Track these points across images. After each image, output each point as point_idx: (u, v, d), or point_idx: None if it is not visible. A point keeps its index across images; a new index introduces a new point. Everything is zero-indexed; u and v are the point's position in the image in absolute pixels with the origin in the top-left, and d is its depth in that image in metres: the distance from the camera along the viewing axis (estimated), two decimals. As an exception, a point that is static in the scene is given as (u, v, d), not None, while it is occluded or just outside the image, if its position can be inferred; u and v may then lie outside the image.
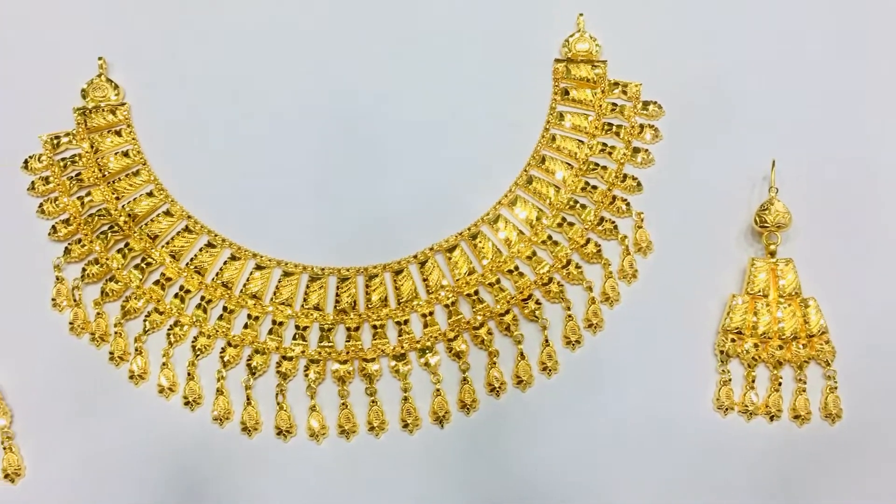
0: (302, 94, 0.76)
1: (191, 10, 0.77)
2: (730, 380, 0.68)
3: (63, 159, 0.76)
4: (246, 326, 0.71)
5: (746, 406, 0.68)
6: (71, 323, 0.71)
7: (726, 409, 0.68)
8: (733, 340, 0.68)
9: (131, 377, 0.69)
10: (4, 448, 0.67)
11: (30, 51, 0.78)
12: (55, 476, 0.67)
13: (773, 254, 0.70)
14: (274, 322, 0.71)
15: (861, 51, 0.75)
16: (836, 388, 0.68)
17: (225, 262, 0.73)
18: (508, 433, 0.68)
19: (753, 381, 0.68)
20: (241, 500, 0.66)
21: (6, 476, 0.67)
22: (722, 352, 0.68)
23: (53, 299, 0.71)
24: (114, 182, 0.75)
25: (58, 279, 0.72)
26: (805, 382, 0.68)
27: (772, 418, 0.68)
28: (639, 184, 0.74)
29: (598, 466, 0.67)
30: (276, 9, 0.77)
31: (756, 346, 0.68)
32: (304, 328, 0.71)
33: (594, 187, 0.74)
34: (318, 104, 0.76)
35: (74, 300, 0.71)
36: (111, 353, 0.70)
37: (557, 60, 0.77)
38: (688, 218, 0.72)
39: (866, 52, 0.75)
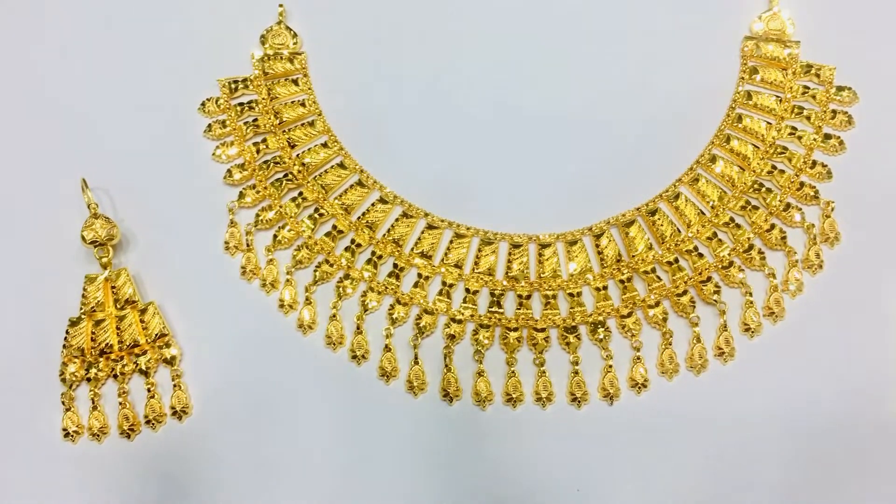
0: (482, 58, 0.75)
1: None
2: (918, 382, 0.65)
3: (240, 104, 0.75)
4: (416, 285, 0.70)
5: (935, 412, 0.65)
6: (242, 267, 0.71)
7: (912, 414, 0.65)
8: (923, 341, 0.65)
9: (300, 326, 0.69)
10: (174, 385, 0.68)
11: (213, -6, 0.78)
12: (220, 418, 0.68)
13: (973, 255, 0.66)
14: (444, 283, 0.70)
15: None
16: None
17: (396, 220, 0.72)
18: (678, 417, 0.66)
19: (944, 386, 0.65)
20: (406, 459, 0.65)
21: (174, 413, 0.68)
22: (910, 352, 0.65)
23: (226, 242, 0.72)
24: (289, 130, 0.75)
25: (231, 223, 0.72)
26: None
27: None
28: (829, 171, 0.71)
29: (769, 460, 0.65)
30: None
31: (949, 348, 0.65)
32: (474, 292, 0.70)
33: (781, 171, 0.71)
34: (499, 69, 0.74)
35: (247, 245, 0.72)
36: (281, 300, 0.70)
37: (747, 38, 0.74)
38: (879, 210, 0.70)
39: None
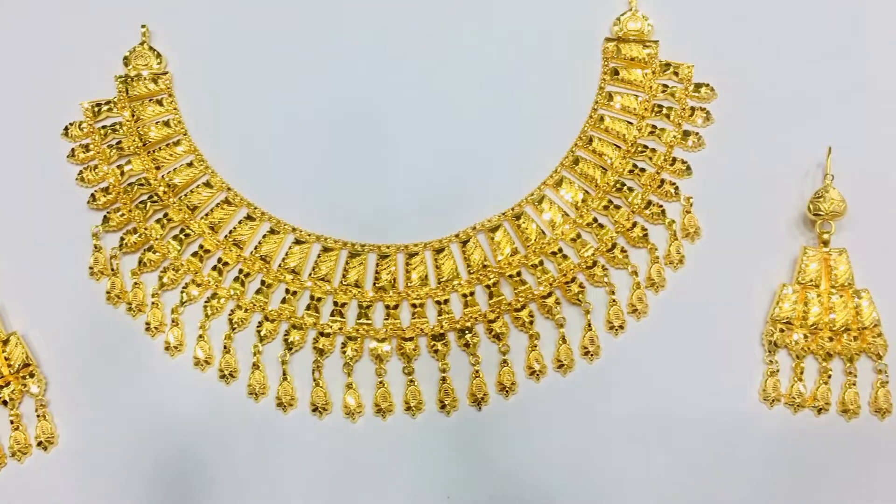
0: (346, 66, 0.75)
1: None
2: (777, 371, 0.66)
3: (104, 127, 0.75)
4: (284, 301, 0.70)
5: (794, 398, 0.66)
6: (108, 292, 0.70)
7: (773, 401, 0.66)
8: (782, 331, 0.67)
9: (167, 348, 0.69)
10: (38, 416, 0.67)
11: (73, 17, 0.77)
12: (87, 445, 0.67)
13: (826, 243, 0.68)
14: (312, 298, 0.70)
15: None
16: (886, 382, 0.66)
17: (264, 236, 0.72)
18: (547, 418, 0.66)
19: (801, 373, 0.66)
20: (277, 476, 0.65)
21: (39, 444, 0.67)
22: (770, 342, 0.67)
23: (91, 268, 0.71)
24: (154, 151, 0.74)
25: (96, 248, 0.71)
26: (855, 376, 0.66)
27: (819, 411, 0.66)
28: (688, 168, 0.72)
29: (638, 453, 0.66)
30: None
31: (805, 337, 0.67)
32: (343, 305, 0.70)
33: (642, 170, 0.72)
34: (362, 80, 0.75)
35: (112, 269, 0.71)
36: (147, 323, 0.69)
37: (608, 39, 0.75)
38: (738, 204, 0.71)
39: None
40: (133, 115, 0.74)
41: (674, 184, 0.71)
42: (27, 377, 0.67)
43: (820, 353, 0.66)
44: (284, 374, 0.67)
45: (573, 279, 0.69)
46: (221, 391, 0.68)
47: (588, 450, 0.65)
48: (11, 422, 0.66)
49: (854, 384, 0.66)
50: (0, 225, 0.71)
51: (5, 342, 0.67)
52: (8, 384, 0.67)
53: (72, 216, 0.72)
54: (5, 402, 0.67)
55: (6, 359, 0.67)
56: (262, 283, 0.70)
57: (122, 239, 0.71)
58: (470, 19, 0.75)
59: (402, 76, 0.74)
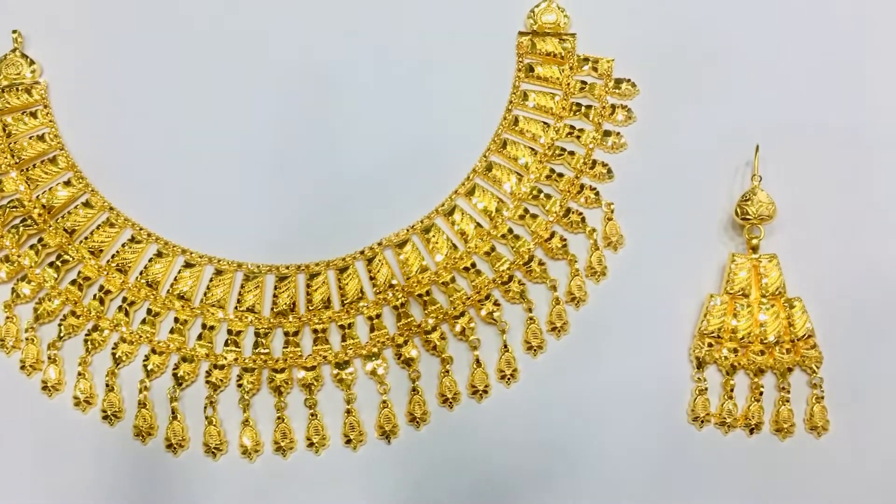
0: (238, 70, 0.68)
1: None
2: (706, 388, 0.62)
3: (-29, 144, 0.68)
4: (172, 331, 0.64)
5: (724, 417, 0.61)
6: (-23, 328, 0.63)
7: (702, 421, 0.62)
8: (710, 345, 0.62)
9: (44, 388, 0.63)
10: None
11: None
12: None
13: (755, 249, 0.63)
14: (204, 326, 0.64)
15: (851, 20, 0.68)
16: (822, 397, 0.62)
17: (150, 260, 0.66)
18: (462, 449, 0.61)
19: (732, 390, 0.62)
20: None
21: None
22: (698, 358, 0.62)
23: (-43, 302, 0.64)
24: (28, 169, 0.68)
25: (-35, 281, 0.64)
26: (788, 391, 0.62)
27: (752, 431, 0.62)
28: (609, 171, 0.67)
29: (561, 482, 0.61)
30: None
31: (735, 351, 0.62)
32: (238, 333, 0.64)
33: (560, 175, 0.67)
34: (257, 79, 0.68)
35: (-19, 303, 0.64)
36: (22, 361, 0.63)
37: (521, 33, 0.70)
38: (663, 209, 0.66)
39: (856, 20, 0.67)
40: (4, 130, 0.67)
41: (594, 189, 0.66)
42: None
43: (751, 368, 0.62)
44: (174, 412, 0.61)
45: (488, 296, 0.63)
46: (105, 433, 0.62)
47: (505, 482, 0.60)
48: None
49: (787, 400, 0.61)
50: None
51: None
52: None
53: (-65, 244, 0.64)
54: None
55: None
56: (149, 311, 0.64)
57: (-8, 269, 0.64)
58: (375, 14, 0.68)
59: (301, 79, 0.67)
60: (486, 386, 0.62)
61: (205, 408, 0.61)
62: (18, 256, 0.65)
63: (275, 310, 0.64)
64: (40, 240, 0.65)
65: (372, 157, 0.66)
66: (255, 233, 0.65)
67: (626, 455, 0.61)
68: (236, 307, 0.64)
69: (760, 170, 0.63)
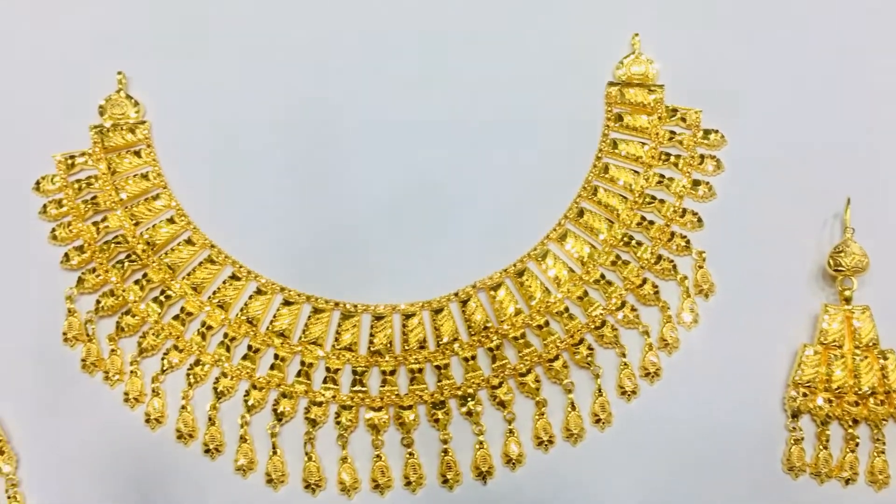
0: (334, 120, 0.71)
1: (214, 26, 0.72)
2: (801, 438, 0.62)
3: (78, 181, 0.70)
4: (272, 367, 0.65)
5: (819, 468, 0.62)
6: (83, 360, 0.66)
7: (797, 472, 0.62)
8: (804, 395, 0.63)
9: (147, 421, 0.64)
10: (9, 497, 0.62)
11: (46, 65, 0.72)
12: (63, 528, 0.61)
13: (848, 300, 0.64)
14: (303, 363, 0.66)
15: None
16: (916, 449, 0.62)
17: (250, 297, 0.67)
18: (557, 491, 0.62)
19: (827, 441, 0.62)
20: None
21: (10, 528, 0.61)
22: (793, 408, 0.62)
23: (65, 333, 0.66)
24: (132, 206, 0.70)
25: (70, 311, 0.66)
26: (884, 443, 0.62)
27: (847, 482, 0.62)
28: (699, 219, 0.68)
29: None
30: (305, 25, 0.72)
31: (829, 401, 0.63)
32: (336, 370, 0.65)
33: (651, 222, 0.68)
34: (354, 134, 0.70)
35: (87, 335, 0.66)
36: (126, 393, 0.65)
37: (611, 84, 0.71)
38: (754, 258, 0.67)
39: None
40: (109, 168, 0.69)
41: (685, 237, 0.67)
42: (-5, 455, 0.62)
43: (845, 419, 0.62)
44: (274, 447, 0.62)
45: (581, 340, 0.64)
46: (206, 467, 0.63)
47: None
48: (-22, 505, 0.61)
49: (883, 451, 0.61)
50: (-34, 289, 0.65)
51: (-28, 417, 0.62)
52: (-26, 463, 0.62)
53: (43, 277, 0.67)
54: (-29, 484, 0.61)
55: (-28, 435, 0.62)
56: (249, 347, 0.65)
57: (97, 302, 0.66)
58: (466, 64, 0.71)
59: (396, 128, 0.69)
60: (580, 430, 0.62)
61: (304, 444, 0.62)
62: (123, 291, 0.66)
63: (371, 349, 0.65)
64: (144, 275, 0.67)
65: (466, 203, 0.67)
66: (350, 273, 0.66)
67: (721, 500, 0.61)
68: (334, 345, 0.65)
69: (851, 222, 0.64)
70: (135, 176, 0.70)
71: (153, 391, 0.64)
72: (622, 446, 0.63)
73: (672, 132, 0.70)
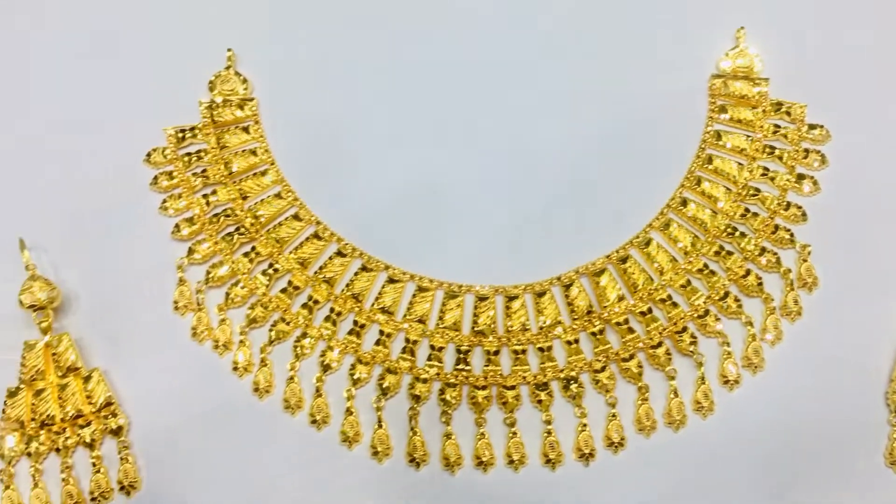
0: (442, 100, 0.72)
1: (320, 2, 0.73)
2: (905, 433, 0.62)
3: (188, 154, 0.72)
4: (378, 343, 0.66)
5: (922, 463, 0.62)
6: (193, 328, 0.67)
7: (900, 466, 0.62)
8: (908, 390, 0.63)
9: (256, 390, 0.65)
10: (121, 459, 0.63)
11: (158, 41, 0.74)
12: (171, 492, 0.63)
13: (953, 296, 0.64)
14: (407, 340, 0.67)
15: None
16: None
17: (356, 273, 0.68)
18: (658, 477, 0.63)
19: (930, 436, 0.62)
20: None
21: (122, 489, 0.63)
22: (895, 402, 0.63)
23: (175, 302, 0.67)
24: (240, 181, 0.71)
25: (180, 281, 0.68)
26: None
27: (950, 477, 0.62)
28: (804, 213, 0.68)
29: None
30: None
31: (933, 397, 0.63)
32: (440, 349, 0.66)
33: (754, 214, 0.69)
34: (462, 111, 0.71)
35: (197, 304, 0.67)
36: (235, 363, 0.66)
37: (715, 76, 0.72)
38: (857, 253, 0.67)
39: None
40: (218, 143, 0.71)
41: (788, 230, 0.67)
42: (109, 416, 0.63)
43: (950, 415, 0.62)
44: (379, 420, 0.64)
45: (684, 329, 0.65)
46: (312, 437, 0.64)
47: (700, 511, 0.61)
48: (93, 464, 0.63)
49: None
50: (81, 255, 0.67)
51: (87, 379, 0.64)
52: (89, 423, 0.63)
53: (155, 247, 0.68)
54: (87, 444, 0.63)
55: (87, 396, 0.63)
56: (355, 323, 0.66)
57: (207, 272, 0.68)
58: (571, 55, 0.71)
59: (504, 110, 0.70)
60: (682, 416, 0.63)
61: (409, 419, 0.63)
62: (232, 263, 0.68)
63: (475, 329, 0.66)
64: (253, 248, 0.68)
65: (569, 188, 0.68)
66: (453, 253, 0.67)
67: (821, 491, 0.61)
68: (438, 324, 0.66)
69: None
70: (243, 151, 0.71)
71: (261, 361, 0.66)
72: (723, 435, 0.64)
73: (776, 126, 0.70)
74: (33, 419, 0.63)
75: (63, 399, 0.64)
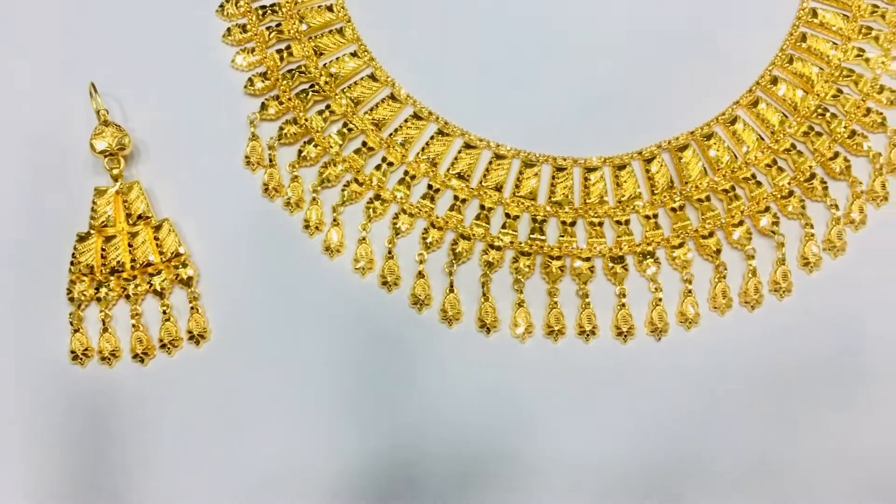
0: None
1: None
2: None
3: (262, 7, 0.69)
4: (451, 208, 0.65)
5: None
6: (264, 184, 0.66)
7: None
8: None
9: (326, 249, 0.64)
10: (191, 308, 0.63)
11: None
12: (239, 344, 0.63)
13: None
14: (482, 207, 0.65)
15: None
16: None
17: (431, 137, 0.67)
18: (728, 355, 0.62)
19: None
20: (438, 392, 0.61)
21: (191, 338, 0.63)
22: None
23: (247, 157, 0.66)
24: (315, 37, 0.69)
25: (252, 136, 0.66)
26: None
27: None
28: (897, 97, 0.65)
29: (825, 399, 0.61)
30: None
31: None
32: (515, 217, 0.65)
33: (847, 96, 0.66)
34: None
35: (269, 160, 0.66)
36: (306, 220, 0.65)
37: (813, -50, 0.68)
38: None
39: None
40: (293, -3, 0.68)
41: (881, 114, 0.64)
42: (179, 266, 0.63)
43: None
44: (451, 285, 0.63)
45: (766, 209, 0.63)
46: (382, 299, 0.63)
47: (767, 391, 0.60)
48: (163, 312, 0.62)
49: None
50: (153, 104, 0.66)
51: (157, 228, 0.63)
52: (159, 272, 0.63)
53: (227, 101, 0.67)
54: (157, 292, 0.62)
55: (158, 246, 0.63)
56: (429, 187, 0.65)
57: (280, 129, 0.66)
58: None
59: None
60: (759, 296, 0.62)
61: (481, 285, 0.63)
62: (306, 121, 0.66)
63: (552, 199, 0.64)
64: (328, 106, 0.67)
65: (654, 61, 0.66)
66: (532, 122, 0.66)
67: (886, 378, 0.60)
68: (513, 192, 0.65)
69: None
70: (319, 7, 0.69)
71: (333, 221, 0.65)
72: (798, 316, 0.62)
73: (875, 6, 0.67)
74: (103, 265, 0.62)
75: (133, 247, 0.63)
